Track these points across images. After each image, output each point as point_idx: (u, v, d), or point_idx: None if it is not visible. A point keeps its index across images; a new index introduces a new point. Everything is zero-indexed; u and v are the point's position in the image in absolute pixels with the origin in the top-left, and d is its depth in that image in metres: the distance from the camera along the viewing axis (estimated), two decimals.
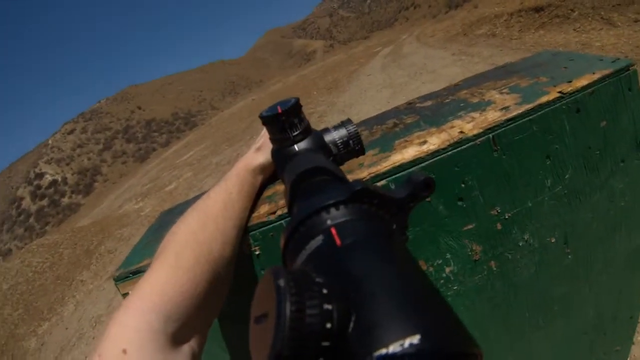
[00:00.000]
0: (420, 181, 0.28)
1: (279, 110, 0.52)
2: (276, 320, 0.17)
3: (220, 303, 0.46)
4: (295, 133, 0.53)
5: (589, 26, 6.08)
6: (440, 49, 10.28)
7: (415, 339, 0.16)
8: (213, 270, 0.43)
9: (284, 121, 0.52)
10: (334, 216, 0.26)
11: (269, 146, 0.60)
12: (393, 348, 0.16)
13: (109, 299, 4.97)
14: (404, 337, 0.16)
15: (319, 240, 0.25)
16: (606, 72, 0.62)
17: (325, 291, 0.19)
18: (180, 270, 0.39)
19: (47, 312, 6.01)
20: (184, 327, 0.37)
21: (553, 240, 0.68)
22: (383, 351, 0.16)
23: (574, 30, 6.29)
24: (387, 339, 0.16)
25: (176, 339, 0.36)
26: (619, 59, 0.67)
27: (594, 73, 0.63)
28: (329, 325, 0.18)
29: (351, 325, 0.18)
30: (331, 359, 0.18)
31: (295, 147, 0.53)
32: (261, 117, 0.54)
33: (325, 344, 0.18)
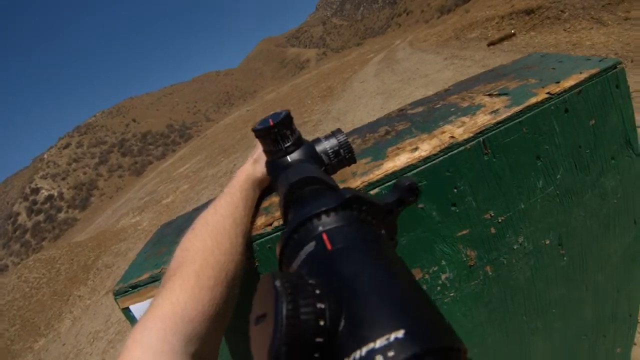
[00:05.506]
0: (405, 187, 0.30)
1: (271, 123, 0.53)
2: (274, 318, 0.19)
3: (230, 318, 0.46)
4: (288, 144, 0.54)
5: (580, 26, 6.14)
6: (433, 53, 10.37)
7: (400, 334, 0.18)
8: (230, 288, 0.43)
9: (276, 133, 0.53)
10: (325, 223, 0.27)
11: (264, 158, 0.60)
12: (380, 342, 0.17)
13: (106, 315, 4.92)
14: (390, 332, 0.18)
15: (311, 245, 0.26)
16: (593, 71, 0.63)
17: (318, 291, 0.21)
18: (202, 290, 0.39)
19: (44, 328, 5.95)
20: (202, 346, 0.37)
21: (547, 242, 0.68)
22: (371, 345, 0.18)
23: (565, 30, 6.36)
24: (375, 335, 0.18)
25: (195, 358, 0.36)
26: (606, 57, 0.67)
27: (581, 73, 0.64)
28: (322, 323, 0.20)
29: (342, 322, 0.20)
30: (325, 354, 0.20)
31: (288, 158, 0.54)
32: (254, 130, 0.55)
33: (319, 340, 0.19)
